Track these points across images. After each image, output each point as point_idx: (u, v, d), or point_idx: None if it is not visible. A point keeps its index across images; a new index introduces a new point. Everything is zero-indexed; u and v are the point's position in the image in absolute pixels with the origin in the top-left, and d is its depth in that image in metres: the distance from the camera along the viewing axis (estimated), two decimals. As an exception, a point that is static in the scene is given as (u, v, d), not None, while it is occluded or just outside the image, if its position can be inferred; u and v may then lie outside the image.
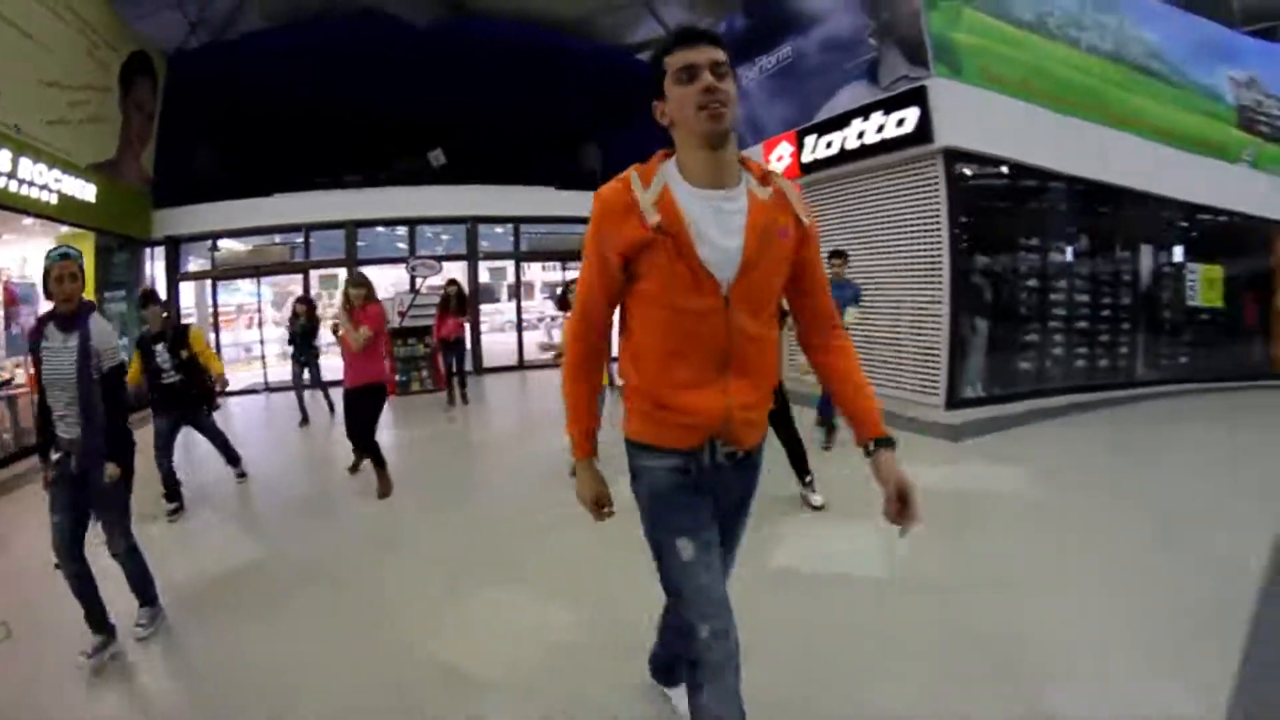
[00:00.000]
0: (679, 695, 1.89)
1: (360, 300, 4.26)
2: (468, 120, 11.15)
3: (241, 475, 5.00)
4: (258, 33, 9.99)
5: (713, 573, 1.37)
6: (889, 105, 6.57)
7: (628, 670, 2.14)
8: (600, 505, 1.51)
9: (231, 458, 4.94)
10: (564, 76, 11.14)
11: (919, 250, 6.56)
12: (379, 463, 4.46)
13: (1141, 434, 6.16)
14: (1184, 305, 8.79)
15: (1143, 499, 4.09)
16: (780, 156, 7.83)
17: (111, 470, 2.45)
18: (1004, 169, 6.85)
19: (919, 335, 6.63)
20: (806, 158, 7.44)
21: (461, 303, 8.01)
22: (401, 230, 10.93)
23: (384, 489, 4.41)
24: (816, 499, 3.88)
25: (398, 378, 9.07)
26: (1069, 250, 7.64)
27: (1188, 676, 2.14)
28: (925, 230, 6.49)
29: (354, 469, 5.03)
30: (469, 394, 8.40)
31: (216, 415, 4.79)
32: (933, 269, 6.41)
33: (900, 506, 1.32)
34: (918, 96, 6.31)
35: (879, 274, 7.01)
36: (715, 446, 1.40)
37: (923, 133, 6.24)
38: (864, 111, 6.81)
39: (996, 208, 6.94)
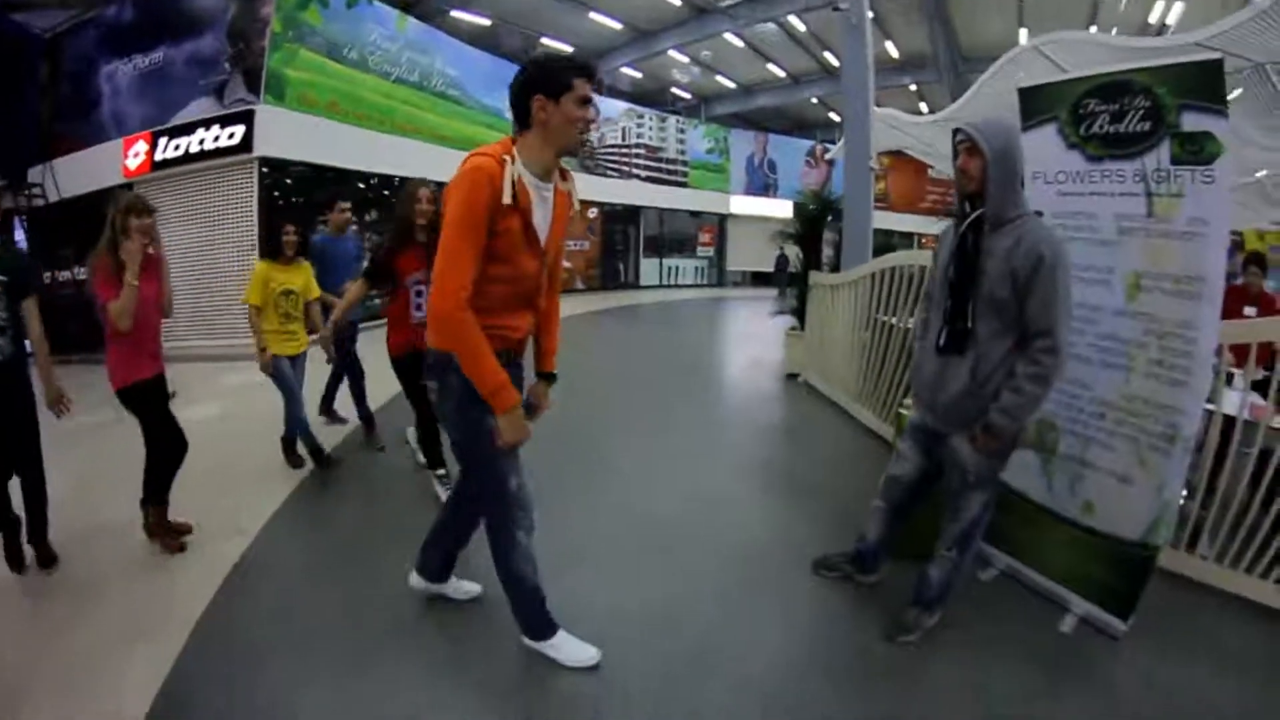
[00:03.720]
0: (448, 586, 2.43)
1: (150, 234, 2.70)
2: None
3: None
4: None
5: None
6: (225, 120, 9.09)
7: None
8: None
9: None
10: None
11: (237, 227, 9.27)
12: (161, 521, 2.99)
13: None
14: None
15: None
16: (137, 153, 9.39)
17: None
18: (305, 169, 10.20)
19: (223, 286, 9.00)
20: (159, 156, 9.24)
21: None
22: None
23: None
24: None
25: None
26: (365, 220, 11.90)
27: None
28: (241, 213, 9.26)
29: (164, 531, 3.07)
30: None
31: None
32: (245, 238, 9.21)
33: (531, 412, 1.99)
34: (246, 117, 9.05)
35: (209, 246, 9.15)
36: (510, 356, 1.89)
37: (246, 144, 9.02)
38: (208, 123, 9.15)
39: (301, 194, 10.17)
